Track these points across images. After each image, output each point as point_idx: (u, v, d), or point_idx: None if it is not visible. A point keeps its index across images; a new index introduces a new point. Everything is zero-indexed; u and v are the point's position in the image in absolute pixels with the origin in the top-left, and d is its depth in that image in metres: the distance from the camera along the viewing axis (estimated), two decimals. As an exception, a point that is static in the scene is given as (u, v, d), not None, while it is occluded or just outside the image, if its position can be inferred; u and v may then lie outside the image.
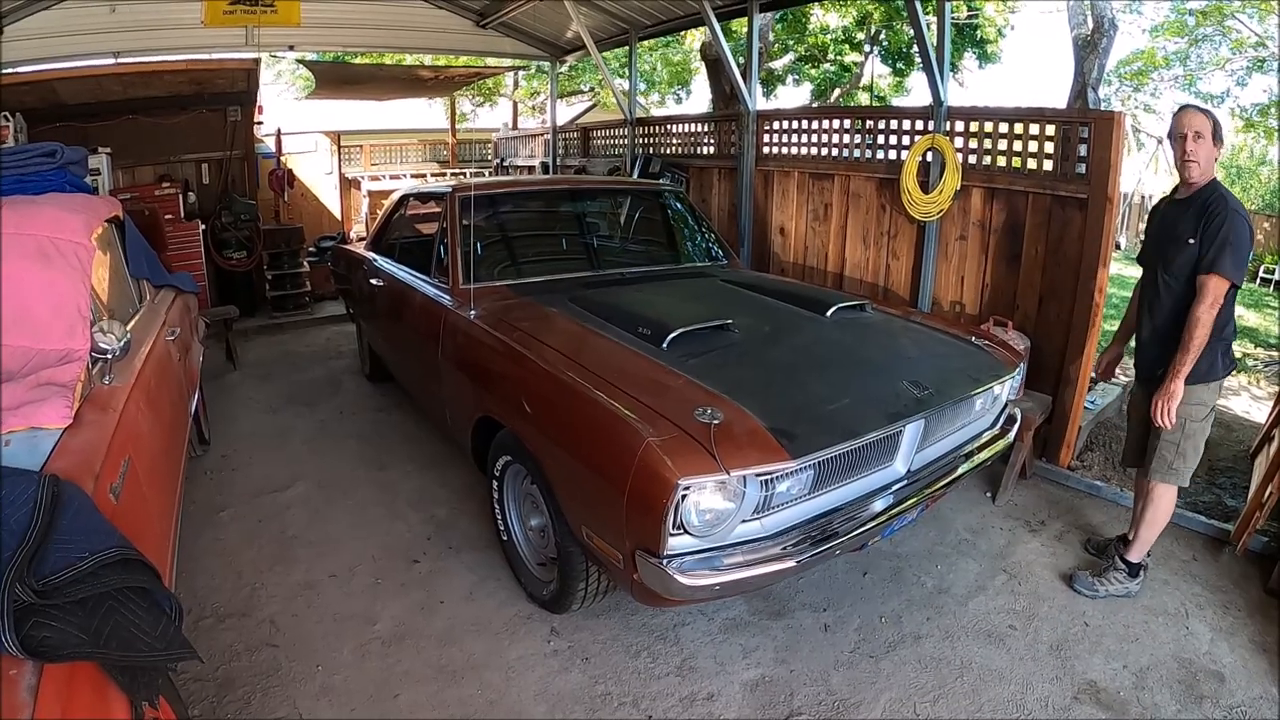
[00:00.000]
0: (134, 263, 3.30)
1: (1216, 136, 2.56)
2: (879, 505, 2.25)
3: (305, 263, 7.14)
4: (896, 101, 13.05)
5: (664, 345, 2.45)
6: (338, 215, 8.56)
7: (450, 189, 3.50)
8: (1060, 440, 3.89)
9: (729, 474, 1.79)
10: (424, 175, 9.81)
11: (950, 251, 4.27)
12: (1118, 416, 4.66)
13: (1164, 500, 2.81)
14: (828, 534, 2.06)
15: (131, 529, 1.73)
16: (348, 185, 9.01)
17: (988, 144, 4.00)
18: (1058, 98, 10.23)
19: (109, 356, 2.11)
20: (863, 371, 2.48)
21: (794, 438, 1.92)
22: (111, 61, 5.90)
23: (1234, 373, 2.84)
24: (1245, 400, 6.11)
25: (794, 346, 2.63)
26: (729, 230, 5.72)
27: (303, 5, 6.13)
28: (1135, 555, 2.85)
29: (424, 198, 4.25)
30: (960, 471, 2.55)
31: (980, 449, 2.72)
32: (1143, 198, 13.84)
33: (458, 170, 10.24)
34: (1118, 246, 15.16)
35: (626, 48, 6.96)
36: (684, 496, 1.79)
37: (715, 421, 1.86)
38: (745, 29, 5.62)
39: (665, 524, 1.78)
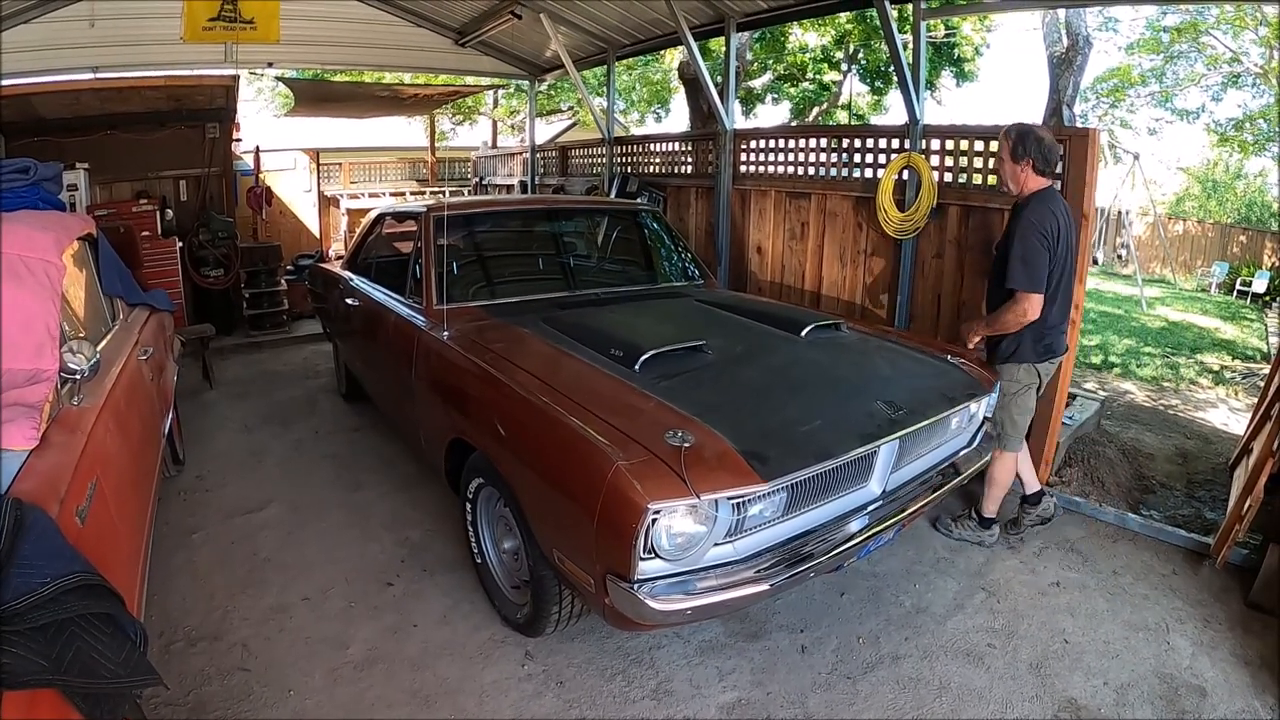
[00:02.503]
0: (107, 281, 3.26)
1: (1016, 155, 2.91)
2: (854, 526, 2.24)
3: (283, 281, 7.09)
4: (875, 119, 13.20)
5: (636, 367, 2.43)
6: (316, 233, 8.51)
7: (425, 209, 3.48)
8: (1039, 456, 3.89)
9: (699, 498, 1.77)
10: (403, 193, 9.82)
11: (927, 269, 4.30)
12: (1095, 432, 4.70)
13: (999, 464, 3.21)
14: (802, 556, 2.04)
15: (97, 552, 1.70)
16: (327, 203, 8.98)
17: (963, 162, 4.03)
18: (1034, 115, 10.40)
19: (77, 377, 2.10)
20: (836, 392, 2.47)
21: (766, 460, 1.91)
22: (90, 76, 5.85)
23: (1058, 360, 3.25)
24: (1224, 412, 6.17)
25: (767, 367, 2.62)
26: (706, 249, 5.73)
27: (282, 23, 6.11)
28: (987, 511, 3.33)
29: (400, 217, 4.22)
30: (937, 491, 2.54)
31: (957, 467, 2.73)
32: (1119, 213, 14.04)
33: (437, 189, 10.24)
34: (1094, 262, 15.41)
35: (605, 67, 6.99)
36: (654, 520, 1.77)
37: (686, 444, 1.85)
38: (723, 49, 5.67)
39: (635, 548, 1.76)
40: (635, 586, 1.81)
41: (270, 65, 6.70)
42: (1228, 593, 2.99)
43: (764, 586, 1.91)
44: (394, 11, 6.71)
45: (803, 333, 2.94)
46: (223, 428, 4.80)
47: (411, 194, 10.21)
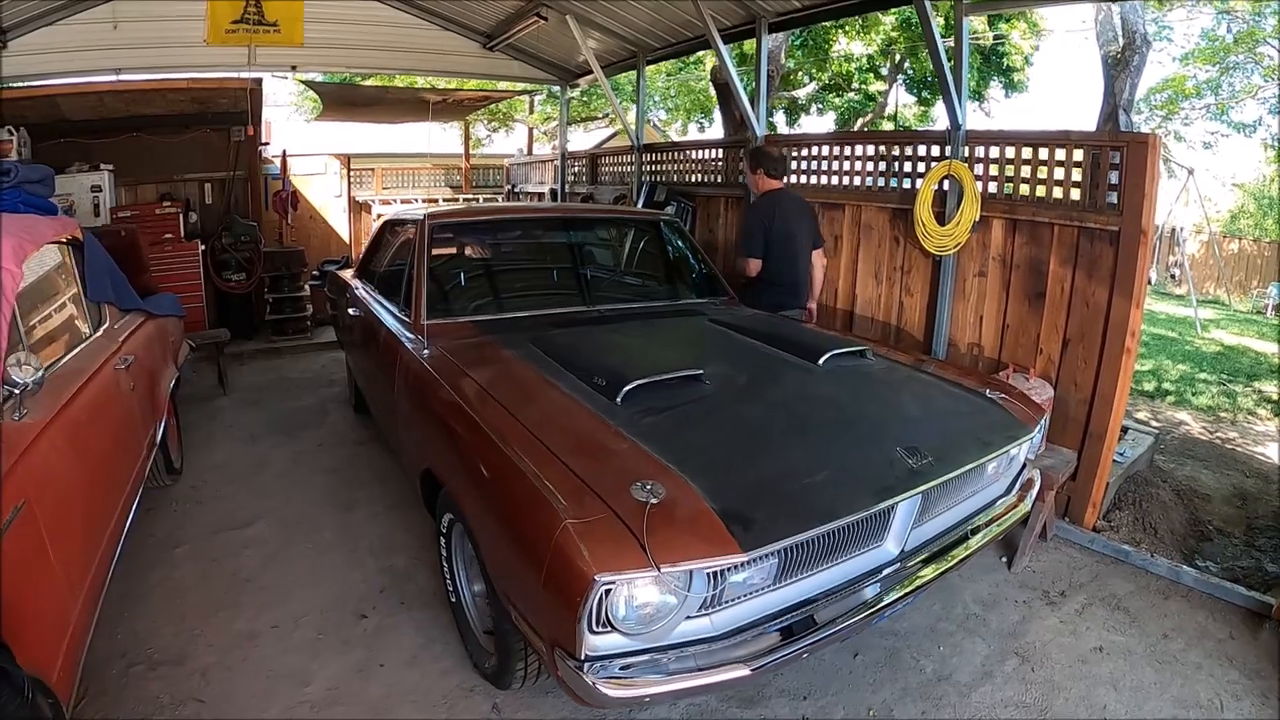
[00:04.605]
0: (94, 286, 3.17)
1: (753, 167, 4.15)
2: (868, 593, 1.93)
3: (307, 286, 7.02)
4: (921, 129, 12.75)
5: (618, 399, 2.16)
6: (347, 239, 8.46)
7: (423, 216, 3.28)
8: (1086, 499, 3.55)
9: (659, 571, 1.49)
10: (436, 200, 9.73)
11: (968, 289, 3.96)
12: (1148, 470, 4.28)
13: None
14: (796, 634, 1.74)
15: (10, 585, 1.59)
16: (358, 208, 8.94)
17: (1009, 171, 3.70)
18: (1087, 125, 9.83)
19: (17, 391, 1.96)
20: (849, 435, 2.16)
21: (749, 524, 1.61)
22: (113, 78, 5.88)
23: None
24: (1285, 449, 5.62)
25: (772, 403, 2.32)
26: (735, 262, 5.44)
27: (306, 25, 6.06)
28: None
29: (405, 224, 4.05)
30: (969, 549, 2.22)
31: (993, 520, 2.40)
32: (1174, 230, 13.21)
33: (471, 195, 10.17)
34: (1148, 282, 14.60)
35: (635, 71, 6.77)
36: (606, 592, 1.50)
37: (653, 500, 1.57)
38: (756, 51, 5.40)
39: (580, 624, 1.49)
40: (584, 666, 1.54)
41: (294, 69, 6.64)
42: (1289, 661, 2.58)
43: (744, 672, 1.62)
44: (419, 14, 6.61)
45: (820, 361, 2.63)
46: (228, 436, 4.69)
47: (445, 200, 10.15)
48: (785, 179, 4.29)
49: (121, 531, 2.65)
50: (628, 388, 2.16)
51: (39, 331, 2.51)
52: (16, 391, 1.94)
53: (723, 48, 5.10)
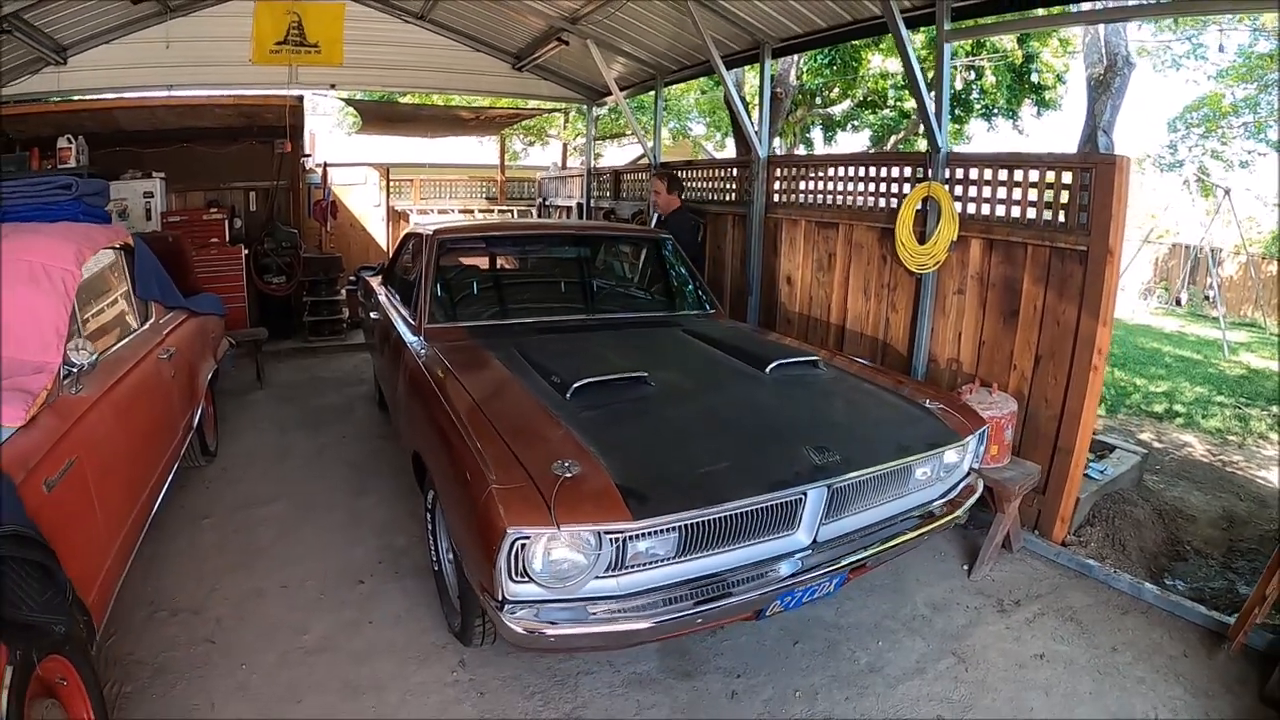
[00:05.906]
0: (142, 285, 3.55)
1: (670, 190, 5.35)
2: (782, 571, 2.16)
3: (344, 290, 7.45)
4: (957, 148, 12.73)
5: (567, 395, 2.46)
6: (385, 246, 8.92)
7: (432, 230, 3.63)
8: (1054, 513, 3.65)
9: (559, 528, 1.79)
10: (472, 211, 10.16)
11: (948, 306, 4.11)
12: (1133, 489, 4.34)
13: None
14: (698, 599, 2.00)
15: (60, 519, 1.95)
16: (397, 217, 9.41)
17: (986, 192, 3.85)
18: (1125, 143, 9.70)
19: (74, 370, 2.35)
20: (763, 434, 2.39)
21: (644, 499, 1.90)
22: (166, 93, 6.41)
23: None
24: (1281, 471, 5.52)
25: (704, 404, 2.59)
26: (740, 278, 5.67)
27: (345, 47, 6.50)
28: None
29: (419, 237, 4.40)
30: (889, 545, 2.41)
31: (924, 521, 2.58)
32: (1210, 250, 12.80)
33: (505, 207, 10.57)
34: (1178, 303, 14.06)
35: (654, 92, 7.05)
36: (522, 545, 1.80)
37: (567, 475, 1.87)
38: (777, 72, 5.64)
39: (496, 568, 1.81)
40: (503, 607, 1.85)
41: (333, 87, 7.10)
42: (1243, 684, 2.63)
43: (643, 625, 1.89)
44: (451, 36, 7.00)
45: (767, 369, 2.88)
46: (259, 426, 5.09)
47: (480, 211, 10.58)
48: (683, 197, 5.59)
49: (156, 497, 3.04)
50: (576, 385, 2.48)
51: (94, 323, 2.91)
52: (75, 370, 2.35)
53: (725, 72, 5.34)
